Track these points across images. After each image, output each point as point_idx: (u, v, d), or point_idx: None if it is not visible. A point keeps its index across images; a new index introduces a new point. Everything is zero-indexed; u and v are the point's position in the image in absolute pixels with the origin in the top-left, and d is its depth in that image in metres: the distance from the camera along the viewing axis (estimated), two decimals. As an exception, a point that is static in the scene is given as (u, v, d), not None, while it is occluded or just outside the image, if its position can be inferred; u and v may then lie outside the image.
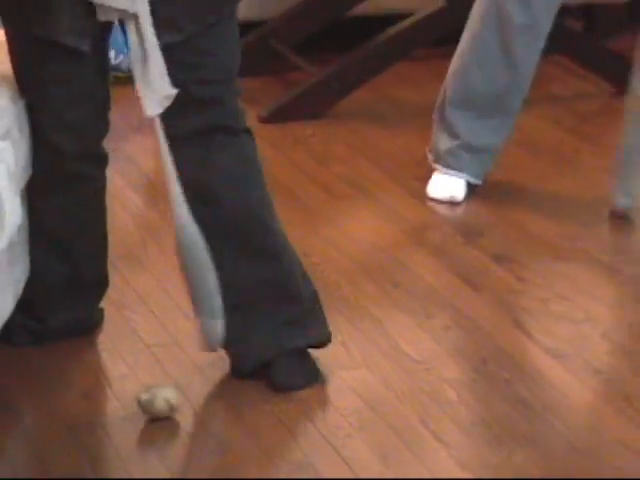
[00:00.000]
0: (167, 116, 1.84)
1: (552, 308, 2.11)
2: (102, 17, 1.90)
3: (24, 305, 2.02)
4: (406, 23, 3.00)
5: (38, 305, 2.09)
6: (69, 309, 2.08)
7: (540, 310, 2.09)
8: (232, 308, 1.86)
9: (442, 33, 2.92)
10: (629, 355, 1.95)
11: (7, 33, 2.04)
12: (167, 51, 1.86)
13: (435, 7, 2.94)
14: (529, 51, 2.45)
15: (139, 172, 2.62)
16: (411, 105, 3.05)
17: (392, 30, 3.01)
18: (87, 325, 2.06)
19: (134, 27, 1.86)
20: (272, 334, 1.87)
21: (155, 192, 2.44)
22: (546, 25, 2.44)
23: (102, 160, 1.99)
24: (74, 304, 2.08)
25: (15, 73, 2.03)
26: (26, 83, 2.01)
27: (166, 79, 1.84)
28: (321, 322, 1.94)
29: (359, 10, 3.15)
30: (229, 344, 1.86)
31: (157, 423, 1.70)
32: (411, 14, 3.03)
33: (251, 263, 1.90)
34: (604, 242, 2.43)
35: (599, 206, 2.49)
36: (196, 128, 1.91)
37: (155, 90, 1.88)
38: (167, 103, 1.82)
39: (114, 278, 2.09)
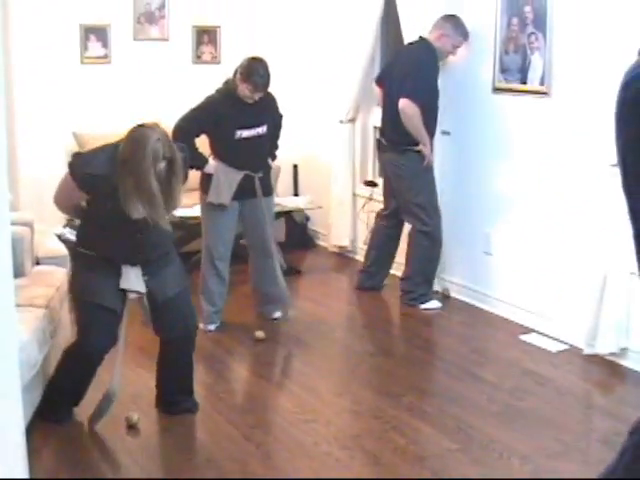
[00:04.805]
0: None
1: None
2: (130, 296, 3.01)
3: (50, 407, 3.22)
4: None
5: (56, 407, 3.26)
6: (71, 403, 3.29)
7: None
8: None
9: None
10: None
11: (79, 304, 3.09)
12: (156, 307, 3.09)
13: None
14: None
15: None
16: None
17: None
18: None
19: (140, 296, 3.05)
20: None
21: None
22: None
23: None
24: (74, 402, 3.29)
25: (81, 320, 3.07)
26: (89, 326, 3.04)
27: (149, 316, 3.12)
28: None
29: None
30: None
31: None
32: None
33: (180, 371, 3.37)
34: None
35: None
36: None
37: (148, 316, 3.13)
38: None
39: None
